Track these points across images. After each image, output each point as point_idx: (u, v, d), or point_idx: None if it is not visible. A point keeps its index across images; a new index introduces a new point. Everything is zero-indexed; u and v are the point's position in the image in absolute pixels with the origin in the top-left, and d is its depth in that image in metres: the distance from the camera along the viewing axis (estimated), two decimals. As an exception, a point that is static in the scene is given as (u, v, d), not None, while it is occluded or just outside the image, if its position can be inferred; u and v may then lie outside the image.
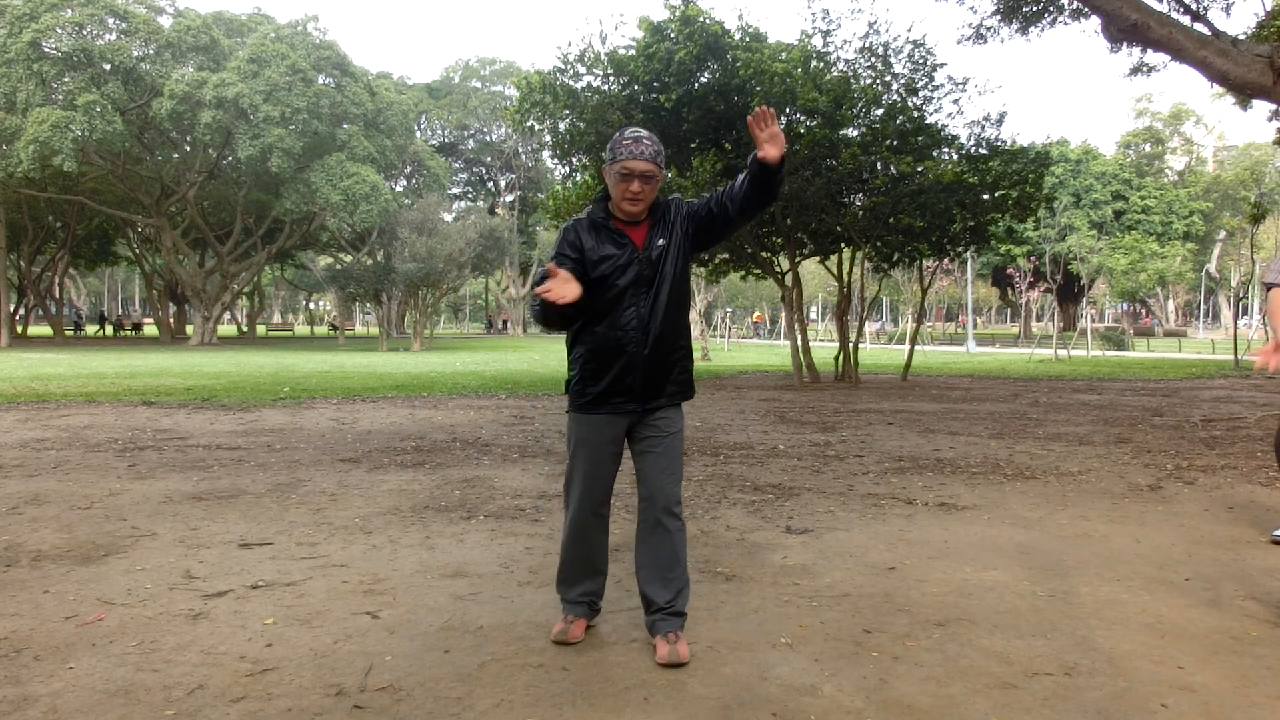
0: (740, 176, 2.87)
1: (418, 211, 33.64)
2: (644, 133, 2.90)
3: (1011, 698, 2.61)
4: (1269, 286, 3.79)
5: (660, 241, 2.92)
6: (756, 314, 60.98)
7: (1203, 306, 67.18)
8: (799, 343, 15.27)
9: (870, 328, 40.72)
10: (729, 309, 45.91)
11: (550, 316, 2.75)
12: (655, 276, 2.90)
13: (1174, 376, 17.04)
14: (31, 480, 5.95)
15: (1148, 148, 55.37)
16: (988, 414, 10.24)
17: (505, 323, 60.68)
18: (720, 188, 2.98)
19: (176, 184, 33.90)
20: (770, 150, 2.69)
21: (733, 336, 45.18)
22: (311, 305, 79.62)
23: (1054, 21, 14.31)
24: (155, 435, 8.22)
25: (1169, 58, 10.64)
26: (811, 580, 3.76)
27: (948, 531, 4.62)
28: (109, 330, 48.81)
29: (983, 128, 13.98)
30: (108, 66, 29.20)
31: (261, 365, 19.98)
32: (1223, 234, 55.04)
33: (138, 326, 50.71)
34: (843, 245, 15.60)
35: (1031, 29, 14.41)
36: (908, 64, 13.47)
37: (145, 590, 3.59)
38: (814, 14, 15.15)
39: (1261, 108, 20.22)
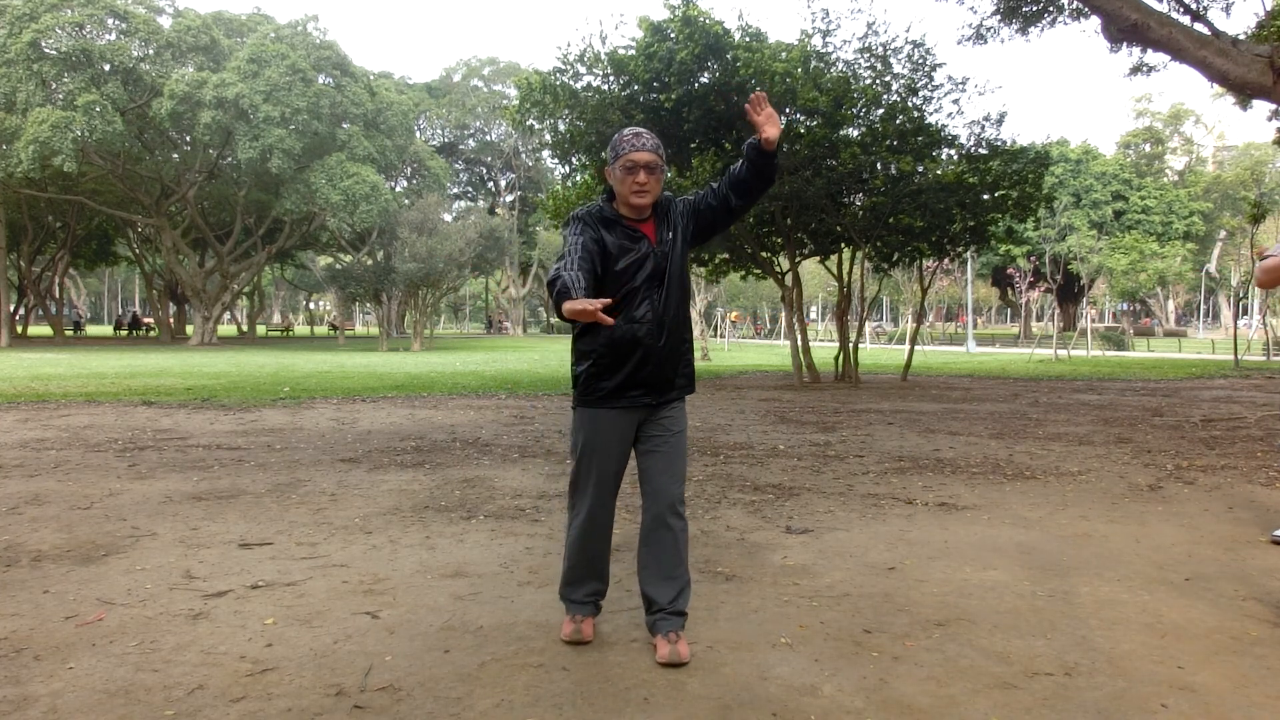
0: (735, 166, 2.97)
1: (418, 211, 33.64)
2: (642, 129, 2.98)
3: (1011, 698, 2.61)
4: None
5: (669, 236, 2.98)
6: (734, 314, 58.94)
7: (1203, 306, 67.18)
8: (799, 343, 15.27)
9: (869, 327, 40.71)
10: (719, 310, 45.64)
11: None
12: (666, 270, 2.94)
13: (1174, 376, 17.04)
14: (31, 480, 5.95)
15: (1148, 148, 55.40)
16: (988, 414, 10.24)
17: (501, 323, 60.64)
18: (714, 183, 3.04)
19: (176, 184, 33.89)
20: (770, 131, 2.81)
21: (731, 336, 45.15)
22: (311, 305, 79.61)
23: (1054, 21, 14.31)
24: (155, 435, 8.22)
25: (1169, 58, 10.64)
26: (811, 580, 3.75)
27: (948, 531, 4.62)
28: (143, 331, 48.34)
29: (982, 128, 13.98)
30: (108, 66, 29.20)
31: (261, 365, 19.98)
32: (1223, 234, 55.06)
33: (138, 326, 50.73)
34: (843, 245, 15.60)
35: (1031, 29, 14.41)
36: (907, 64, 13.48)
37: (145, 590, 3.59)
38: (814, 14, 15.17)
39: (1261, 108, 20.22)
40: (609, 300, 2.57)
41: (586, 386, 2.97)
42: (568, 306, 2.51)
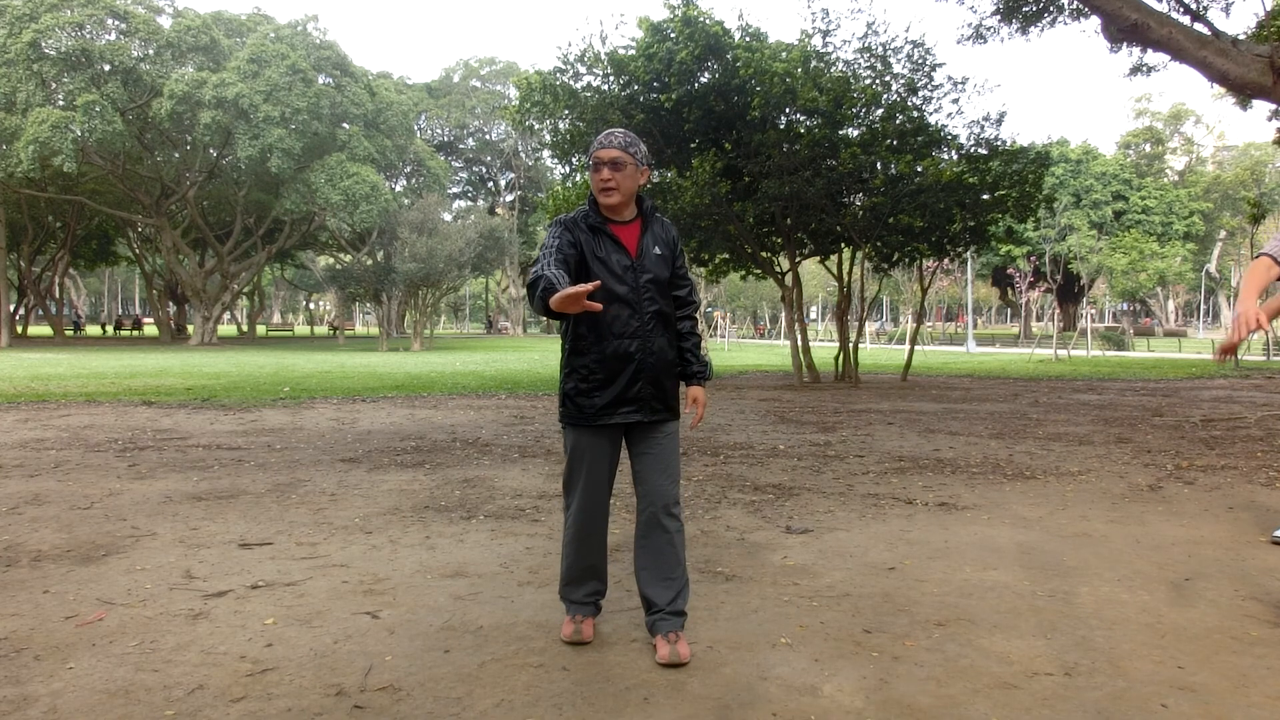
0: (684, 330, 3.06)
1: (418, 211, 33.65)
2: (616, 130, 2.98)
3: (1011, 698, 2.61)
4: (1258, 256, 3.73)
5: (657, 251, 2.99)
6: (718, 314, 57.47)
7: (1203, 306, 67.21)
8: (799, 343, 15.27)
9: (870, 328, 40.68)
10: (713, 310, 45.30)
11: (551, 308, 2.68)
12: (653, 282, 2.94)
13: (1174, 376, 17.04)
14: (31, 480, 5.95)
15: (1148, 148, 55.41)
16: (988, 414, 10.24)
17: (499, 323, 60.59)
18: (685, 288, 3.09)
19: (176, 184, 33.90)
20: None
21: (731, 336, 45.09)
22: (311, 305, 79.59)
23: (1054, 21, 14.31)
24: (155, 435, 8.22)
25: (1169, 58, 10.63)
26: (811, 580, 3.75)
27: (948, 531, 4.61)
28: (132, 331, 48.68)
29: (982, 128, 13.98)
30: (108, 67, 29.20)
31: (261, 365, 19.98)
32: (1223, 234, 55.10)
33: (138, 325, 50.80)
34: (843, 245, 15.60)
35: (1031, 29, 14.41)
36: (907, 64, 13.48)
37: (145, 590, 3.58)
38: (814, 14, 15.15)
39: (1261, 108, 20.24)
40: (597, 284, 2.55)
41: (576, 405, 2.94)
42: (554, 299, 2.51)
